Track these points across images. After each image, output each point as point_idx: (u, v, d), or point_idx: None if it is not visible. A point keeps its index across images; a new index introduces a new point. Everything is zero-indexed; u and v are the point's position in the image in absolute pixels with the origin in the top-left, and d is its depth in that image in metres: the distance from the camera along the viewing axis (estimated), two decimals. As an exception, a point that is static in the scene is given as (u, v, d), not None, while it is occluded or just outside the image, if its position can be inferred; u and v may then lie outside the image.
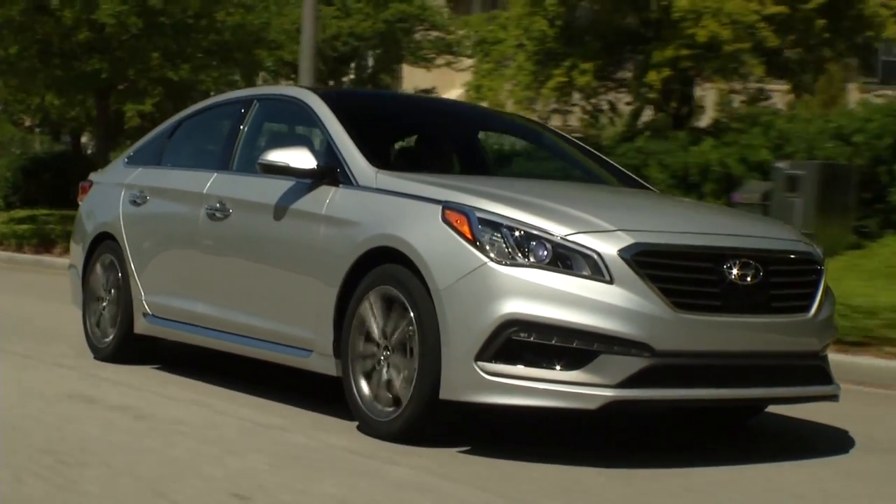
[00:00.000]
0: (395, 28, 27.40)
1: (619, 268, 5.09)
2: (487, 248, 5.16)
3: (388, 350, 5.49)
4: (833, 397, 5.69)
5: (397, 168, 6.21)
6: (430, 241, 5.35)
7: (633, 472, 5.07)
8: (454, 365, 5.14)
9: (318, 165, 6.06)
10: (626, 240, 5.15)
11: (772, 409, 6.39)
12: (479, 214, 5.25)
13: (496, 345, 5.08)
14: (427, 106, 8.23)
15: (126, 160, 8.15)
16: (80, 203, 8.44)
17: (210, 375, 7.00)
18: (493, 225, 5.21)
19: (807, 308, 5.51)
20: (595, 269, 5.09)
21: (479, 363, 5.09)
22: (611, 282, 5.07)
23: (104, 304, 7.73)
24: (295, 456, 5.06)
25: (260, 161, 6.22)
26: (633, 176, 7.07)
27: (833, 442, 6.00)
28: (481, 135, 7.50)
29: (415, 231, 5.43)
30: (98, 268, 7.85)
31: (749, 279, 5.31)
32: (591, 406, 5.01)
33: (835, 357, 6.17)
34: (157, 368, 7.34)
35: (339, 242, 5.81)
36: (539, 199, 5.51)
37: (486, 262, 5.14)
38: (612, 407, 5.03)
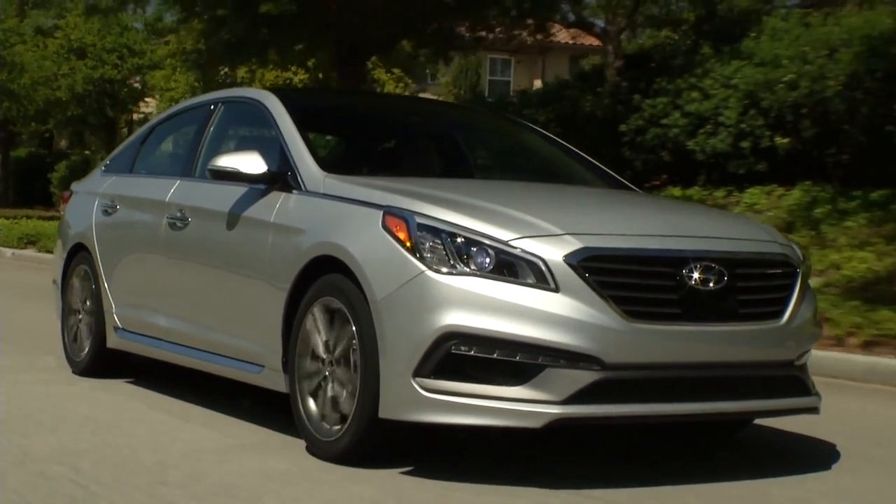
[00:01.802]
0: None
1: (566, 275, 4.72)
2: (427, 255, 4.82)
3: (333, 365, 5.17)
4: (812, 410, 5.28)
5: (355, 172, 5.88)
6: (369, 248, 5.02)
7: (601, 491, 4.70)
8: (392, 381, 4.81)
9: (268, 170, 5.76)
10: (574, 244, 4.78)
11: (761, 420, 5.98)
12: (418, 220, 4.91)
13: (435, 359, 4.73)
14: (399, 105, 7.89)
15: (103, 168, 7.93)
16: (62, 213, 8.25)
17: (180, 389, 6.72)
18: (434, 231, 4.86)
19: (779, 314, 5.11)
20: (540, 276, 4.73)
21: (418, 379, 4.75)
22: (556, 290, 4.71)
23: (80, 316, 7.51)
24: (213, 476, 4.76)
25: (209, 167, 5.94)
26: (615, 175, 6.68)
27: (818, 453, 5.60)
28: (462, 134, 7.09)
29: (355, 238, 5.11)
30: (74, 280, 7.64)
31: (712, 285, 4.91)
32: (536, 424, 4.65)
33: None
34: (130, 382, 7.09)
35: (287, 251, 5.50)
36: (489, 202, 5.15)
37: (424, 271, 4.79)
38: (558, 425, 4.67)
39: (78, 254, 7.62)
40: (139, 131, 7.86)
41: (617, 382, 4.72)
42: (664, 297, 4.84)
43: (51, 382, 7.01)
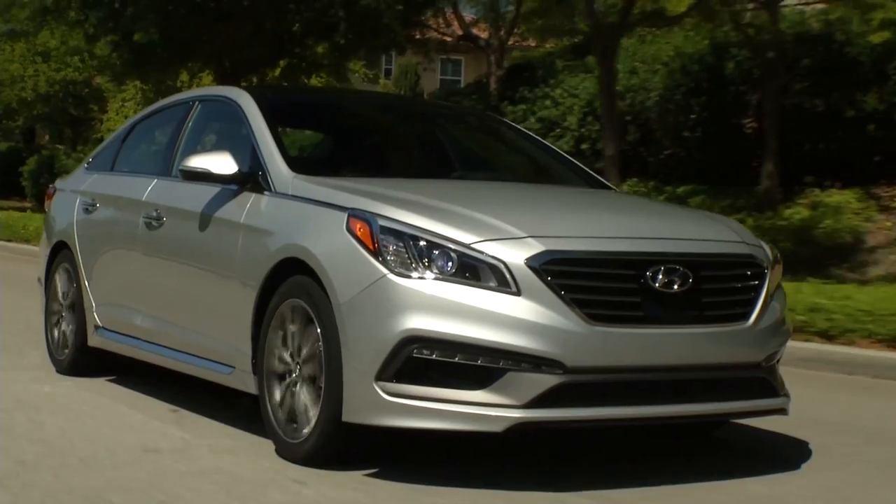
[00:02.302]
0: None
1: (527, 278, 4.70)
2: (389, 258, 4.80)
3: (300, 367, 5.16)
4: (780, 411, 5.26)
5: (327, 172, 5.86)
6: (333, 251, 5.00)
7: (576, 495, 4.69)
8: (355, 385, 4.80)
9: (239, 171, 5.74)
10: (536, 247, 4.76)
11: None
12: (381, 222, 4.89)
13: (397, 363, 4.72)
14: (379, 104, 7.82)
15: (86, 166, 7.92)
16: (46, 210, 8.25)
17: (161, 389, 6.72)
18: (397, 234, 4.84)
19: (746, 316, 5.07)
20: (501, 279, 4.71)
21: (380, 383, 4.74)
22: (518, 293, 4.69)
23: (63, 314, 7.51)
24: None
25: (180, 167, 5.94)
26: (593, 173, 6.64)
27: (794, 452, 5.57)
28: (442, 132, 7.05)
29: (320, 241, 5.09)
30: (57, 278, 7.64)
31: (677, 287, 4.89)
32: (497, 429, 4.64)
33: None
34: (111, 380, 7.10)
35: (256, 253, 5.49)
36: (455, 203, 5.12)
37: (385, 274, 4.78)
38: (519, 429, 4.66)
39: (61, 251, 7.62)
40: (121, 128, 7.85)
41: (579, 386, 4.70)
42: (627, 299, 4.82)
43: (32, 381, 7.00)
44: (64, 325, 7.46)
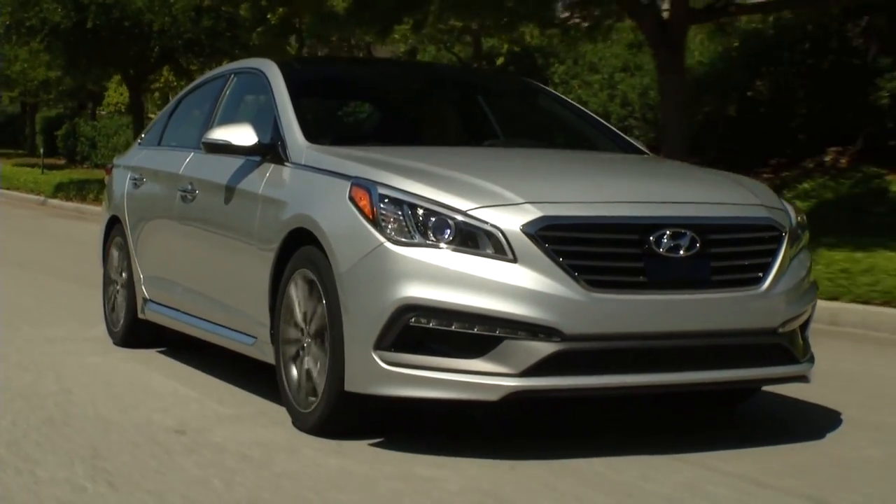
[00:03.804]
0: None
1: (523, 244, 4.62)
2: (387, 226, 4.76)
3: (310, 337, 5.16)
4: (801, 378, 5.09)
5: (344, 142, 5.83)
6: (336, 220, 4.99)
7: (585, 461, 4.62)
8: (355, 355, 4.79)
9: (258, 142, 5.75)
10: (533, 213, 4.67)
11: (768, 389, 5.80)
12: (380, 191, 4.85)
13: (394, 332, 4.69)
14: (410, 71, 7.75)
15: (139, 142, 8.03)
16: (106, 185, 8.39)
17: (208, 362, 6.80)
18: (395, 202, 4.80)
19: (760, 281, 4.91)
20: (498, 246, 4.64)
21: (378, 352, 4.71)
22: (514, 260, 4.61)
23: (117, 287, 7.64)
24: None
25: (203, 140, 5.98)
26: (628, 138, 6.50)
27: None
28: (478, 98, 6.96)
29: (325, 210, 5.08)
30: (112, 251, 7.77)
31: (682, 252, 4.76)
32: (493, 397, 4.58)
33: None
34: (161, 352, 7.20)
35: (271, 223, 5.51)
36: (460, 171, 5.05)
37: (383, 243, 4.74)
38: (515, 398, 4.59)
39: (115, 226, 7.75)
40: (170, 104, 7.94)
41: (578, 354, 4.62)
42: (629, 265, 4.71)
43: (85, 352, 7.13)
44: (119, 299, 7.58)
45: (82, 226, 18.70)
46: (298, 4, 13.00)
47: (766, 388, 5.69)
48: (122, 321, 7.46)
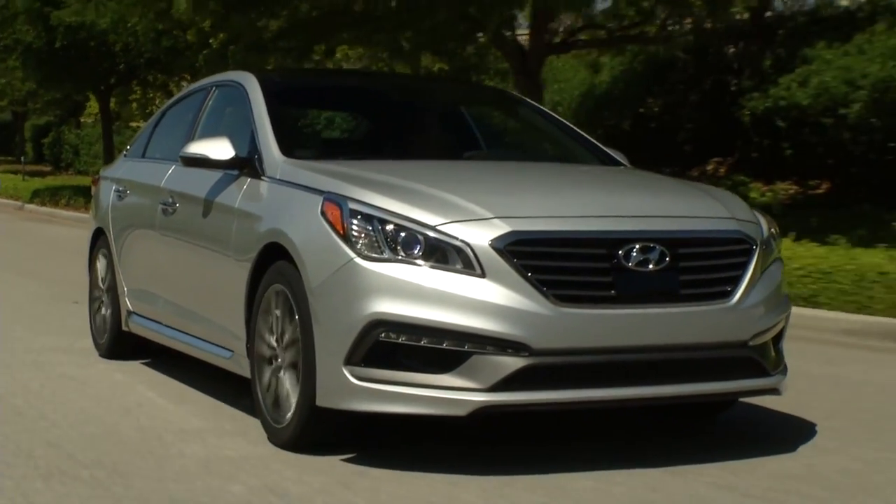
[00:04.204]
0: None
1: (492, 259, 4.63)
2: (358, 242, 4.78)
3: (283, 352, 5.18)
4: (772, 391, 5.10)
5: (320, 155, 5.85)
6: (308, 235, 5.01)
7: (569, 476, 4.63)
8: (326, 370, 4.80)
9: (235, 156, 5.77)
10: (502, 228, 4.68)
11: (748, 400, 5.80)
12: (351, 206, 4.86)
13: (364, 347, 4.70)
14: (390, 83, 7.74)
15: (125, 154, 8.06)
16: (92, 196, 8.42)
17: (194, 374, 6.82)
18: (366, 217, 4.81)
19: (729, 294, 4.92)
20: (466, 262, 4.65)
21: (349, 367, 4.73)
22: (483, 275, 4.63)
23: (102, 299, 7.66)
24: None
25: (181, 154, 5.99)
26: (607, 150, 6.50)
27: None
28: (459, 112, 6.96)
29: (297, 225, 5.10)
30: (97, 263, 7.80)
31: (652, 266, 4.77)
32: (461, 412, 4.60)
33: None
34: (145, 364, 7.22)
35: (246, 237, 5.53)
36: (431, 185, 5.05)
37: (353, 258, 4.76)
38: (484, 412, 4.60)
39: (100, 237, 7.77)
40: (154, 116, 7.96)
41: (546, 368, 4.62)
42: (598, 279, 4.72)
43: (68, 364, 7.15)
44: (104, 310, 7.60)
45: (53, 229, 20.36)
46: (234, 31, 14.10)
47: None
48: (107, 333, 7.48)
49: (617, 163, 6.37)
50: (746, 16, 16.20)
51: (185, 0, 12.82)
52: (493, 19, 12.89)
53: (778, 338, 5.25)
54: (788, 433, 5.54)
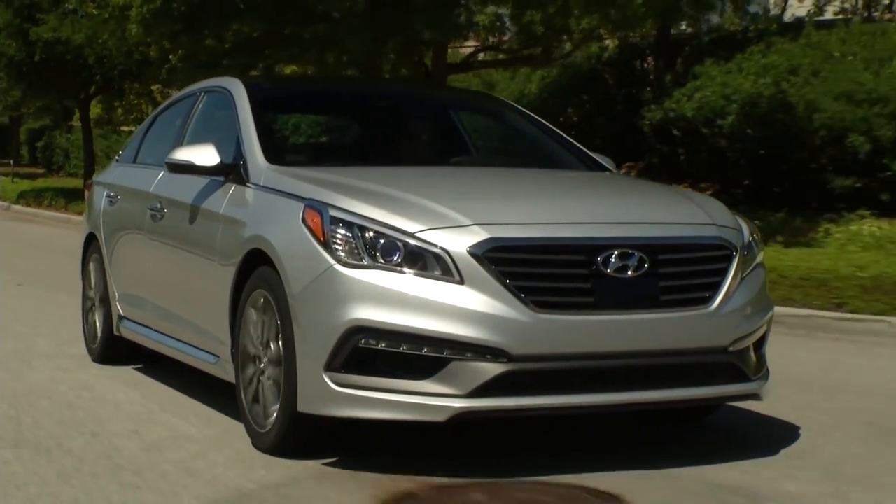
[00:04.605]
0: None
1: (470, 266, 4.65)
2: (337, 248, 4.80)
3: (266, 357, 5.20)
4: (753, 396, 5.12)
5: (304, 162, 5.89)
6: (289, 242, 5.04)
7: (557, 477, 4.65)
8: (307, 376, 4.83)
9: (220, 162, 5.80)
10: (480, 235, 4.70)
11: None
12: (332, 213, 4.89)
13: (344, 353, 4.73)
14: (375, 90, 7.73)
15: (117, 159, 8.08)
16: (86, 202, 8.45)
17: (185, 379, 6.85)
18: (346, 224, 4.84)
19: (709, 300, 4.93)
20: (445, 268, 4.67)
21: (329, 373, 4.75)
22: (461, 282, 4.65)
23: (94, 304, 7.69)
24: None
25: (167, 161, 6.02)
26: (593, 155, 6.52)
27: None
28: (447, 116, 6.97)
29: (279, 231, 5.13)
30: (90, 268, 7.82)
31: (631, 272, 4.78)
32: (440, 418, 4.62)
33: None
34: (137, 369, 7.25)
35: (231, 243, 5.56)
36: (412, 191, 5.08)
37: (333, 265, 4.78)
38: (462, 419, 4.63)
39: (92, 242, 7.80)
40: (146, 121, 7.99)
41: (525, 374, 4.65)
42: (577, 286, 4.73)
43: (59, 369, 7.18)
44: (95, 315, 7.63)
45: (34, 228, 21.42)
46: (187, 50, 15.50)
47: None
48: (99, 338, 7.51)
49: (603, 168, 6.39)
50: (654, 33, 18.38)
51: (137, 24, 14.62)
52: (395, 45, 14.76)
53: (759, 343, 5.26)
54: (771, 433, 5.55)
